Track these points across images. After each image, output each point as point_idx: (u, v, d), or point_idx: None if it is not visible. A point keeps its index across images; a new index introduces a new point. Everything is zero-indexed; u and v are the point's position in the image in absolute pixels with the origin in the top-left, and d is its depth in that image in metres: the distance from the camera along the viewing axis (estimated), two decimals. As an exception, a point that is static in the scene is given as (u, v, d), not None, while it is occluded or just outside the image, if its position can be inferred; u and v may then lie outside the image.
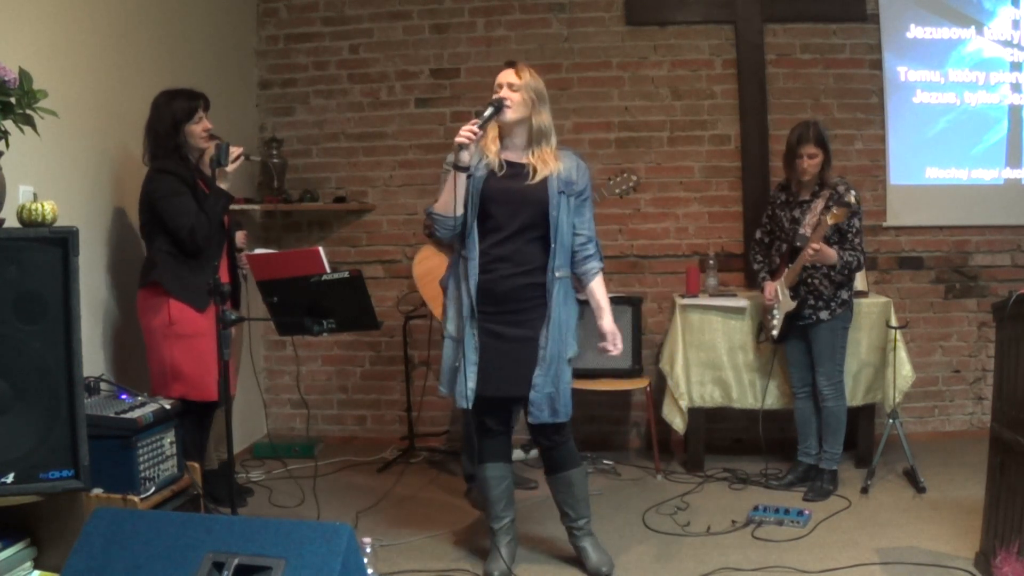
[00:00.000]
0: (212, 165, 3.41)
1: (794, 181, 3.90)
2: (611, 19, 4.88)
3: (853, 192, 3.76)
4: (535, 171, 2.95)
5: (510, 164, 2.97)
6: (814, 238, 3.71)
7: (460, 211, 2.91)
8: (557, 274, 2.96)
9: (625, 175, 4.01)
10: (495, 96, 2.92)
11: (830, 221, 3.65)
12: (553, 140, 3.00)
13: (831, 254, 3.72)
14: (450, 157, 2.98)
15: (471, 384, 2.94)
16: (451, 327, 3.02)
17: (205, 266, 3.32)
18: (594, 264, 3.05)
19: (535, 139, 2.97)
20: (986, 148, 4.78)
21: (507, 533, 3.14)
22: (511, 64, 2.99)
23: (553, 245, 2.94)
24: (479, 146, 2.96)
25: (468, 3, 4.95)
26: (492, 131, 2.99)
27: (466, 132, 2.84)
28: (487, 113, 2.89)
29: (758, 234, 4.16)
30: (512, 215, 2.93)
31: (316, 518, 3.63)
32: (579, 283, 3.09)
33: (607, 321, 3.04)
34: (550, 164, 2.95)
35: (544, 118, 2.97)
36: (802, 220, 3.85)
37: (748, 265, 4.76)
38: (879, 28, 4.73)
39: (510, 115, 2.92)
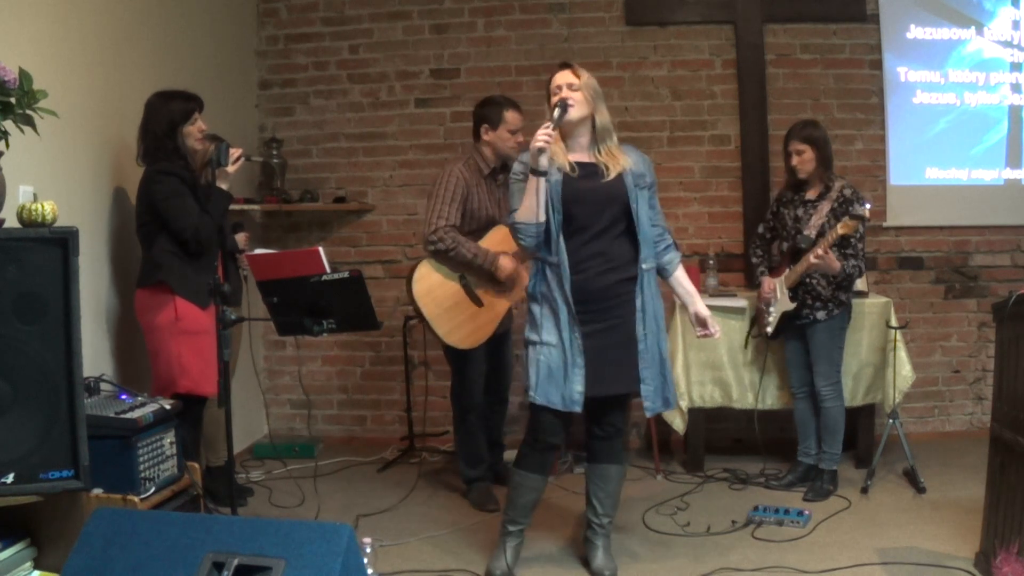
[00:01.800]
0: (212, 166, 3.42)
1: (793, 179, 3.92)
2: (611, 19, 4.88)
3: (866, 203, 3.70)
4: (608, 169, 2.96)
5: (581, 165, 2.97)
6: (821, 245, 3.69)
7: (543, 217, 2.90)
8: (645, 266, 2.98)
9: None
10: (555, 98, 2.93)
11: (840, 231, 3.64)
12: (615, 136, 3.01)
13: (834, 264, 3.70)
14: (517, 167, 3.00)
15: (580, 387, 2.93)
16: (546, 334, 2.97)
17: (207, 266, 3.35)
18: (676, 254, 3.13)
19: (600, 137, 2.98)
20: (986, 148, 4.78)
21: (516, 537, 3.15)
22: (567, 65, 3.00)
23: (639, 238, 2.97)
24: (544, 151, 2.94)
25: (468, 3, 4.95)
26: (555, 134, 2.96)
27: (543, 136, 2.81)
28: (556, 114, 2.88)
29: (760, 228, 4.16)
30: (596, 214, 2.95)
31: (315, 517, 3.63)
32: (662, 274, 3.12)
33: (701, 306, 3.11)
34: (620, 160, 2.98)
35: (605, 115, 2.98)
36: (805, 220, 3.85)
37: (748, 264, 4.77)
38: (879, 28, 4.73)
39: (574, 114, 2.92)
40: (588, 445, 3.20)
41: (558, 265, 2.93)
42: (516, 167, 3.02)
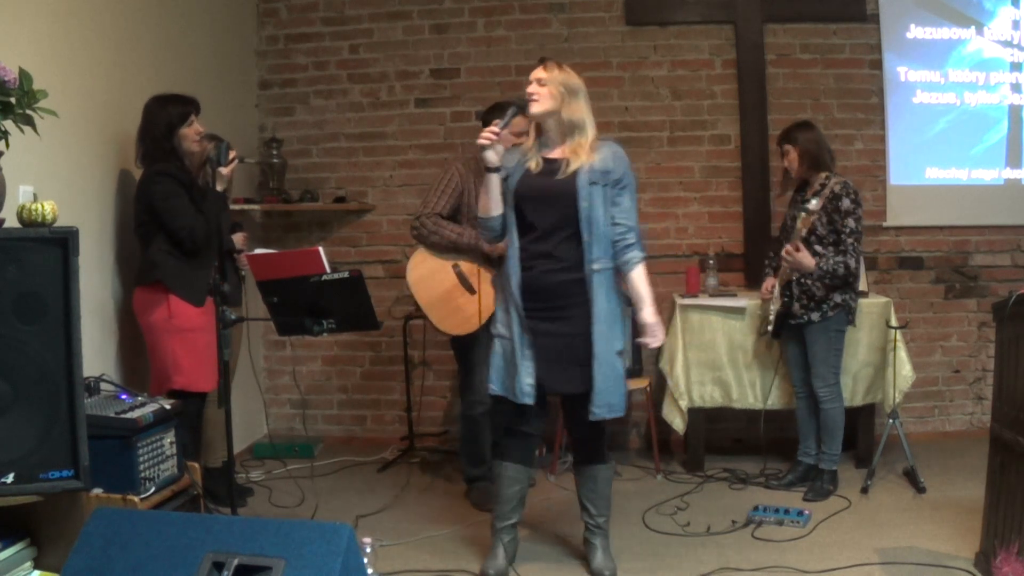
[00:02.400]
0: (211, 165, 3.42)
1: (788, 179, 3.98)
2: (611, 19, 4.88)
3: (850, 196, 3.71)
4: (567, 165, 2.96)
5: (546, 160, 2.99)
6: (792, 241, 3.74)
7: (497, 211, 2.97)
8: (595, 267, 2.94)
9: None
10: (517, 99, 2.99)
11: (800, 226, 3.69)
12: (589, 132, 2.99)
13: (806, 262, 3.70)
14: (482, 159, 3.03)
15: (529, 380, 2.95)
16: (500, 326, 3.04)
17: (204, 265, 3.39)
18: (635, 254, 2.99)
19: (568, 132, 2.98)
20: (986, 148, 4.78)
21: (509, 533, 3.14)
22: (542, 60, 3.02)
23: (586, 238, 2.93)
24: (521, 146, 3.02)
25: (468, 3, 4.95)
26: (532, 130, 3.05)
27: (486, 134, 2.90)
28: (511, 112, 2.95)
29: (778, 232, 4.18)
30: (543, 211, 2.95)
31: (312, 516, 3.63)
32: (620, 273, 3.04)
33: (648, 312, 2.99)
34: (582, 156, 2.96)
35: (575, 111, 2.96)
36: (799, 218, 3.86)
37: (748, 265, 4.78)
38: (879, 28, 4.73)
39: (536, 109, 2.94)
40: (572, 449, 3.21)
41: (511, 258, 2.98)
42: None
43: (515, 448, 3.11)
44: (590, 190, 2.93)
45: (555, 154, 3.00)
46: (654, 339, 3.02)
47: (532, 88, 2.95)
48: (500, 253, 3.75)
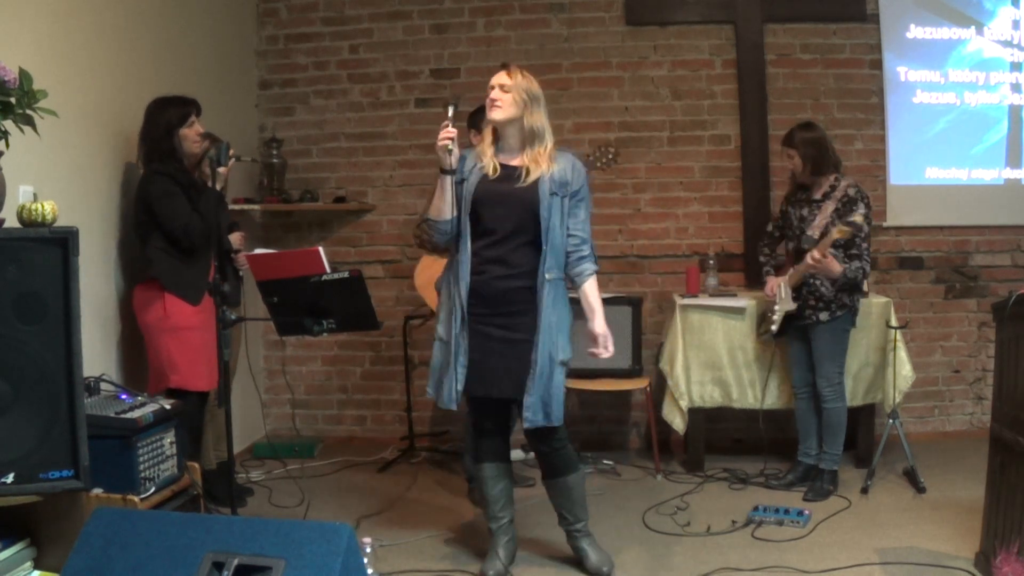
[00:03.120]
0: (212, 165, 3.42)
1: (794, 180, 3.96)
2: (611, 19, 4.88)
3: (863, 208, 3.69)
4: (527, 173, 2.94)
5: (504, 167, 2.97)
6: (820, 248, 3.68)
7: (450, 215, 2.93)
8: (547, 276, 2.94)
9: (604, 148, 4.04)
10: (487, 99, 2.95)
11: (835, 235, 3.63)
12: (548, 141, 2.98)
13: (834, 268, 3.69)
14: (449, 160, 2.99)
15: (459, 386, 2.94)
16: (441, 329, 3.03)
17: (200, 263, 3.41)
18: (588, 266, 3.01)
19: (528, 140, 2.96)
20: (986, 148, 4.78)
21: (505, 533, 3.14)
22: (505, 66, 3.00)
23: (544, 247, 2.93)
24: (476, 150, 2.99)
25: (468, 3, 4.95)
26: (488, 135, 3.01)
27: (445, 136, 2.86)
28: (450, 110, 2.91)
29: (770, 227, 4.18)
30: (502, 218, 2.94)
31: (303, 517, 3.63)
32: (573, 284, 3.06)
33: (598, 323, 3.01)
34: (542, 165, 2.94)
35: (536, 119, 2.95)
36: (810, 220, 3.85)
37: (748, 264, 4.77)
38: (879, 28, 4.73)
39: (499, 115, 2.92)
40: (539, 461, 3.15)
41: (460, 262, 2.95)
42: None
43: (487, 448, 3.11)
44: (551, 200, 2.93)
45: (513, 161, 2.98)
46: (605, 350, 3.02)
47: (495, 94, 2.92)
48: None
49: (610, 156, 4.04)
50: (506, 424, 3.15)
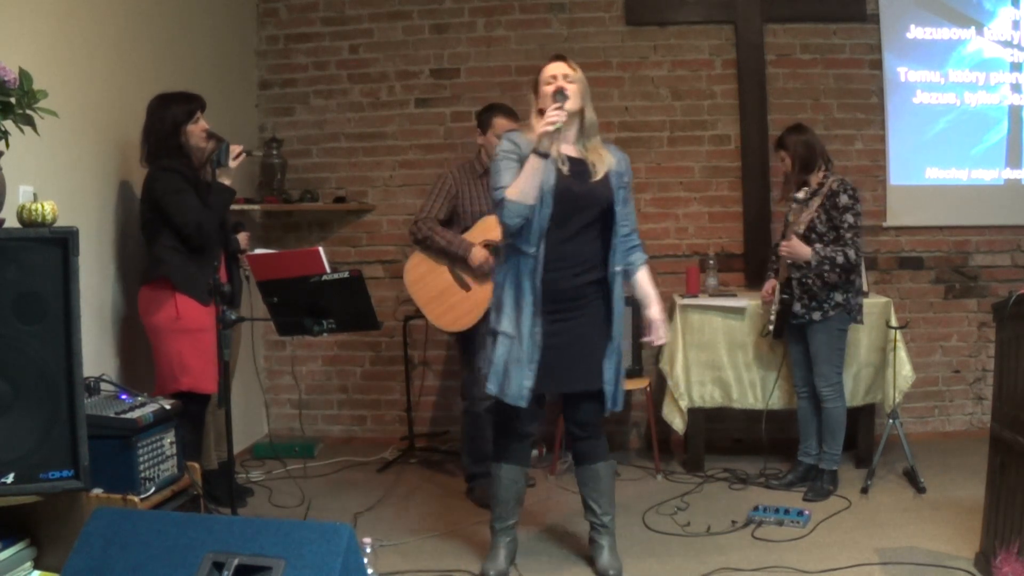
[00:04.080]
0: (212, 165, 3.43)
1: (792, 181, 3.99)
2: (611, 19, 4.88)
3: (847, 193, 3.74)
4: (595, 168, 2.95)
5: (571, 159, 2.95)
6: (787, 235, 3.81)
7: (535, 200, 2.84)
8: (617, 269, 2.98)
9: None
10: (550, 87, 2.88)
11: (791, 219, 3.77)
12: (599, 134, 3.02)
13: (802, 251, 3.75)
14: (506, 144, 2.94)
15: (527, 383, 2.91)
16: (507, 325, 2.95)
17: (210, 262, 3.37)
18: (640, 255, 3.10)
19: (587, 133, 2.98)
20: (986, 148, 4.78)
21: (508, 534, 3.14)
22: (560, 57, 2.99)
23: (613, 241, 2.96)
24: (530, 141, 2.93)
25: (468, 3, 4.95)
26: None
27: (555, 115, 2.78)
28: (559, 100, 2.83)
29: (779, 236, 4.20)
30: (579, 214, 2.93)
31: (304, 517, 3.63)
32: (624, 274, 3.09)
33: (656, 310, 3.07)
34: (605, 159, 2.96)
35: (592, 112, 2.98)
36: (798, 218, 3.88)
37: (748, 265, 4.78)
38: (879, 28, 4.74)
39: (569, 106, 2.88)
40: (572, 448, 3.20)
41: (534, 258, 2.90)
42: (505, 144, 2.95)
43: (512, 450, 3.10)
44: (618, 194, 2.97)
45: (573, 152, 2.97)
46: (659, 337, 3.08)
47: (562, 83, 2.89)
48: (478, 264, 3.82)
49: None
50: (536, 428, 3.16)
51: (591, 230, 2.96)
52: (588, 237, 2.96)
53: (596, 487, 3.13)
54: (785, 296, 3.88)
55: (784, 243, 3.80)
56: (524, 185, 2.83)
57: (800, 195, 3.82)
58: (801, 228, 3.80)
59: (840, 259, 3.72)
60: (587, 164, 2.95)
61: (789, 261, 3.82)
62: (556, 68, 2.94)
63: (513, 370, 2.93)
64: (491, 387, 3.00)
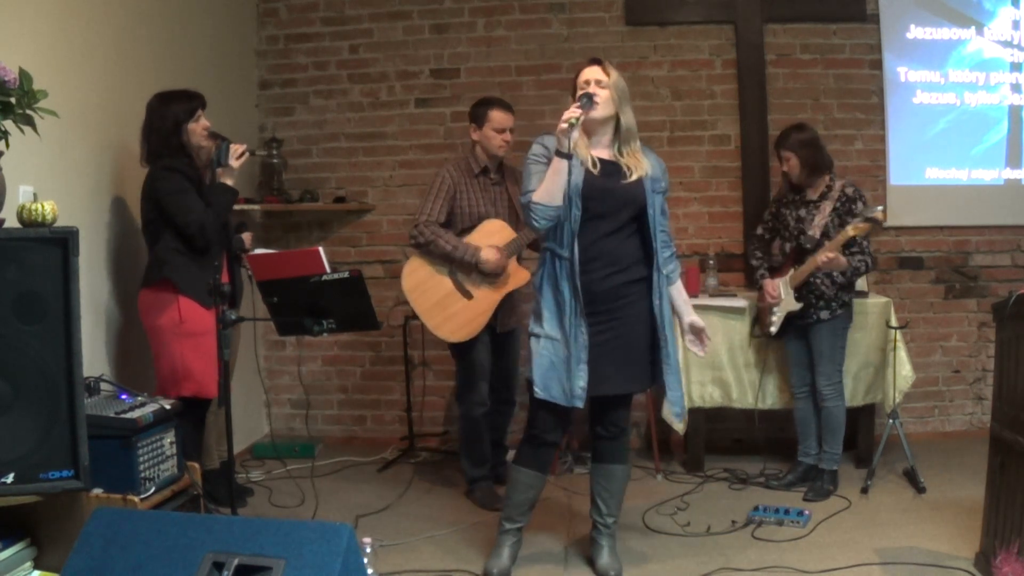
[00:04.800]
0: (212, 165, 3.42)
1: (789, 182, 3.95)
2: (611, 19, 4.88)
3: (879, 207, 3.69)
4: (630, 170, 2.94)
5: (603, 162, 2.94)
6: (831, 247, 3.70)
7: (561, 200, 2.84)
8: (663, 270, 3.00)
9: None
10: (581, 92, 2.88)
11: (851, 233, 3.65)
12: (638, 139, 3.01)
13: (843, 262, 3.72)
14: (536, 149, 2.94)
15: (582, 383, 2.91)
16: (550, 327, 2.96)
17: (211, 263, 3.34)
18: (676, 264, 3.11)
19: (624, 138, 2.96)
20: (986, 148, 4.78)
21: (514, 536, 3.15)
22: (596, 61, 2.97)
23: (654, 244, 2.96)
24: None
25: (468, 3, 4.95)
26: (579, 131, 2.91)
27: (569, 112, 2.76)
28: (584, 102, 2.82)
29: (759, 230, 4.16)
30: (612, 214, 2.93)
31: (312, 517, 3.63)
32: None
33: (696, 317, 3.13)
34: (642, 163, 2.96)
35: (630, 116, 2.96)
36: (808, 221, 3.85)
37: (748, 265, 4.77)
38: (879, 28, 4.73)
39: (599, 112, 2.88)
40: (593, 446, 3.19)
41: (569, 260, 2.90)
42: (536, 148, 2.95)
43: (535, 455, 3.09)
44: (653, 198, 2.97)
45: (607, 156, 2.97)
46: (703, 345, 3.13)
47: (593, 89, 2.88)
48: (493, 267, 3.76)
49: None
50: (563, 435, 3.17)
51: (625, 230, 2.96)
52: (622, 236, 2.96)
53: (608, 486, 3.14)
54: (800, 302, 3.86)
55: (827, 255, 3.68)
56: (550, 186, 2.83)
57: (878, 213, 3.65)
58: (817, 233, 3.79)
59: (863, 268, 3.80)
60: (621, 166, 2.95)
61: (822, 269, 3.76)
62: (590, 73, 2.93)
63: (563, 372, 2.94)
64: (540, 391, 2.96)
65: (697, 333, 3.13)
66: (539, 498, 3.17)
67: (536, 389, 2.98)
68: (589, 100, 2.84)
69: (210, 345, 3.19)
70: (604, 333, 2.95)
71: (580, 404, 2.94)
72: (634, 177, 2.94)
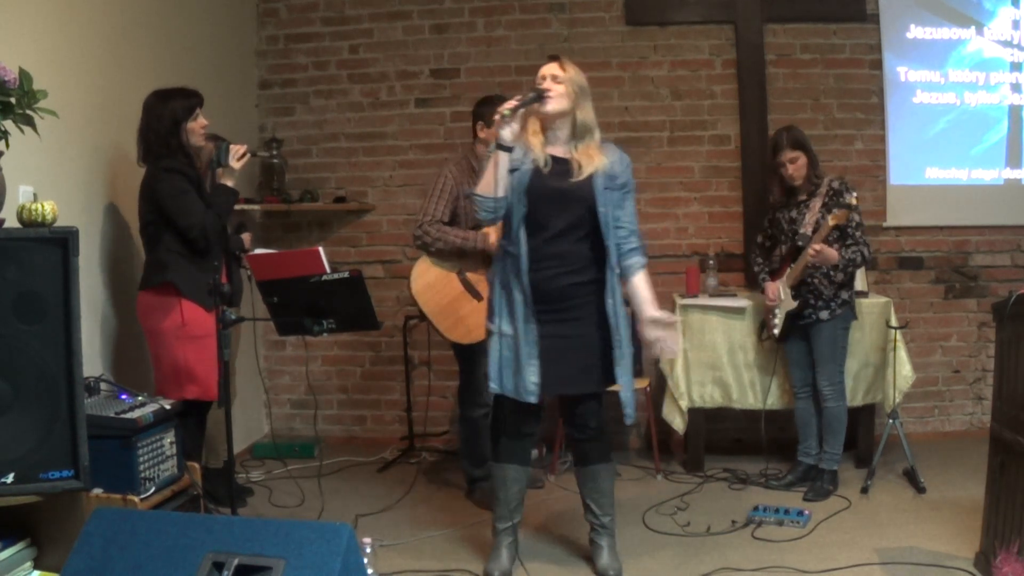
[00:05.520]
0: (212, 165, 3.41)
1: (785, 187, 3.94)
2: (611, 19, 4.88)
3: (853, 192, 3.76)
4: (580, 167, 2.92)
5: (555, 160, 2.94)
6: (816, 240, 3.72)
7: (502, 192, 2.85)
8: (617, 271, 2.97)
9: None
10: (537, 86, 2.90)
11: (831, 222, 3.67)
12: (596, 135, 2.98)
13: (832, 255, 3.72)
14: (493, 145, 2.94)
15: (534, 379, 2.91)
16: (503, 324, 2.97)
17: (211, 264, 3.33)
18: (638, 259, 3.01)
19: (579, 134, 2.95)
20: (986, 148, 4.78)
21: (510, 534, 3.14)
22: (554, 57, 2.98)
23: (607, 243, 2.94)
24: (523, 139, 2.92)
25: (468, 3, 4.95)
26: (534, 125, 2.94)
27: (505, 104, 2.79)
28: (529, 96, 2.85)
29: (759, 238, 4.17)
30: (558, 213, 2.92)
31: (317, 517, 3.64)
32: (622, 276, 3.05)
33: (656, 311, 2.97)
34: (595, 160, 2.93)
35: (587, 113, 2.95)
36: (800, 220, 3.86)
37: (748, 266, 4.77)
38: (879, 28, 4.73)
39: (552, 107, 2.88)
40: (573, 450, 3.20)
41: (517, 257, 2.91)
42: (491, 146, 2.95)
43: (513, 449, 3.10)
44: (605, 195, 2.93)
45: (562, 153, 2.96)
46: (670, 343, 3.00)
47: (548, 84, 2.89)
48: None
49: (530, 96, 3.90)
50: (535, 427, 3.14)
51: (576, 230, 2.94)
52: (573, 237, 2.94)
53: (596, 488, 3.13)
54: (797, 299, 3.86)
55: (814, 248, 3.70)
56: (488, 178, 2.86)
57: (853, 198, 3.70)
58: (809, 230, 3.80)
59: (859, 259, 3.77)
60: (571, 164, 2.94)
61: (813, 265, 3.77)
62: (547, 69, 2.94)
63: (517, 367, 2.94)
64: (493, 385, 3.00)
65: (659, 326, 2.96)
66: (525, 492, 3.17)
67: (491, 383, 3.00)
68: (538, 95, 2.86)
69: (213, 347, 3.18)
70: (557, 332, 2.94)
71: (534, 400, 2.94)
72: (583, 175, 2.92)
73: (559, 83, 2.90)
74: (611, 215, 2.94)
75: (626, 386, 3.00)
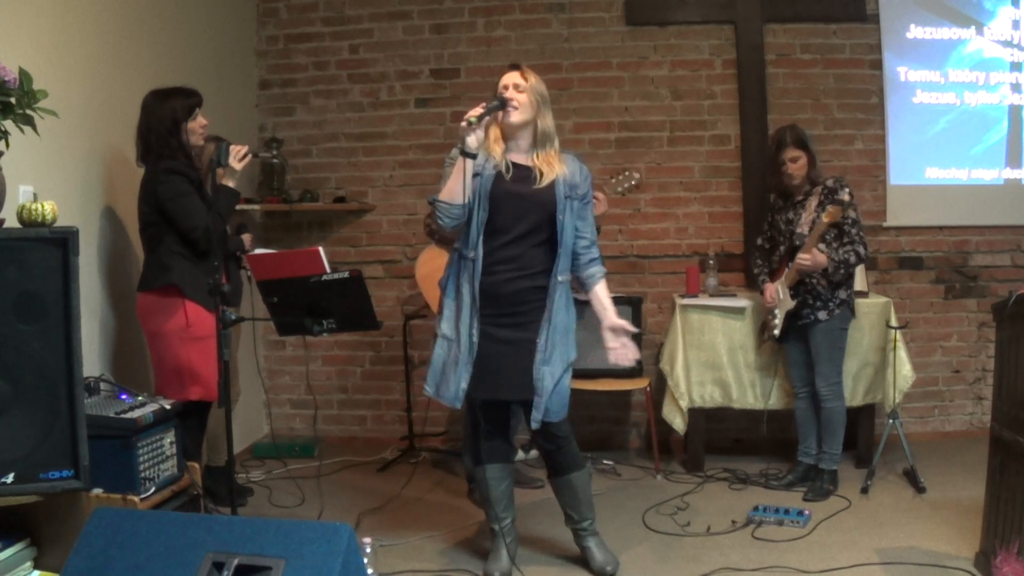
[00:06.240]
0: (212, 166, 3.41)
1: (785, 186, 3.94)
2: (611, 19, 4.88)
3: (846, 189, 3.74)
4: (541, 174, 2.93)
5: (516, 166, 2.95)
6: (811, 241, 3.72)
7: (464, 199, 2.86)
8: (560, 278, 2.95)
9: (627, 173, 3.99)
10: (500, 95, 2.90)
11: (825, 220, 3.67)
12: (556, 143, 2.99)
13: (821, 260, 3.72)
14: (454, 152, 2.95)
15: (463, 385, 2.92)
16: (446, 327, 2.99)
17: (212, 267, 3.32)
18: (599, 268, 3.04)
19: (540, 142, 2.96)
20: (986, 148, 4.78)
21: (508, 533, 3.14)
22: (515, 67, 2.98)
23: (559, 250, 2.93)
24: (484, 145, 2.93)
25: (468, 3, 4.95)
26: (495, 132, 2.96)
27: (471, 112, 2.79)
28: (494, 104, 2.86)
29: (759, 240, 4.16)
30: (518, 218, 2.92)
31: (318, 517, 3.64)
32: (580, 285, 3.07)
33: (614, 317, 2.98)
34: (556, 168, 2.94)
35: (548, 121, 2.96)
36: (797, 220, 3.87)
37: (748, 266, 4.78)
38: (879, 28, 4.73)
39: (515, 117, 2.90)
40: (545, 461, 3.18)
41: (473, 260, 2.91)
42: (453, 152, 2.96)
43: (489, 449, 3.10)
44: (565, 203, 2.94)
45: (523, 161, 2.96)
46: (623, 346, 2.97)
47: (511, 93, 2.90)
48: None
49: (632, 183, 3.92)
50: (507, 424, 3.14)
51: (534, 236, 2.93)
52: (530, 243, 2.93)
53: (573, 496, 3.13)
54: (796, 299, 3.86)
55: (803, 256, 3.72)
56: (452, 185, 2.87)
57: (846, 196, 3.69)
58: (806, 230, 3.80)
59: (853, 259, 3.76)
60: (533, 171, 2.94)
61: (804, 270, 3.77)
62: (509, 78, 2.94)
63: (450, 372, 2.95)
64: (428, 388, 3.03)
65: (618, 333, 2.97)
66: (513, 488, 3.17)
67: (425, 387, 3.03)
68: (501, 103, 2.87)
69: (215, 348, 3.20)
70: (500, 336, 2.92)
71: (458, 405, 2.95)
72: (545, 182, 2.92)
73: (521, 92, 2.91)
74: (568, 224, 2.94)
75: (540, 391, 2.89)
